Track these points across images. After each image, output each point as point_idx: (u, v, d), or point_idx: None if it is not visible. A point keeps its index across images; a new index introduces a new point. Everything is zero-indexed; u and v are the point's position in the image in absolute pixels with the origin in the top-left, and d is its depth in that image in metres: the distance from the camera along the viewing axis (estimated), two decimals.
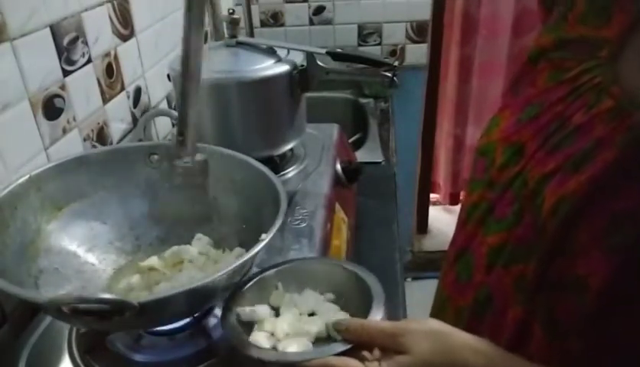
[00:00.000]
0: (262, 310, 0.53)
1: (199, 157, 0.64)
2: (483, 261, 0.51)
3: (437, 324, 0.45)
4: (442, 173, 2.16)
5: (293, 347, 0.48)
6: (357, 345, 0.46)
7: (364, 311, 0.49)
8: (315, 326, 0.50)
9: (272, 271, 0.57)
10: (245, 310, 0.52)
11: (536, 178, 0.45)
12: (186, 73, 0.58)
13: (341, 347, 0.46)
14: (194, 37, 0.57)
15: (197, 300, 0.54)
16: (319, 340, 0.49)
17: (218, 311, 0.62)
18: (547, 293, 0.44)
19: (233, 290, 0.54)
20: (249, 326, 0.52)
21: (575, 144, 0.43)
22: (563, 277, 0.43)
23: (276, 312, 0.54)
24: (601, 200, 0.40)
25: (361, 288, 0.53)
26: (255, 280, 0.56)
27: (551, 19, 0.50)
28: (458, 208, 2.19)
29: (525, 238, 0.46)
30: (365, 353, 0.45)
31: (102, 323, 0.47)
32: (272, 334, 0.50)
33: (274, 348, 0.49)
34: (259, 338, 0.49)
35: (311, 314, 0.54)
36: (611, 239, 0.39)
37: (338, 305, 0.54)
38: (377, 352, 0.45)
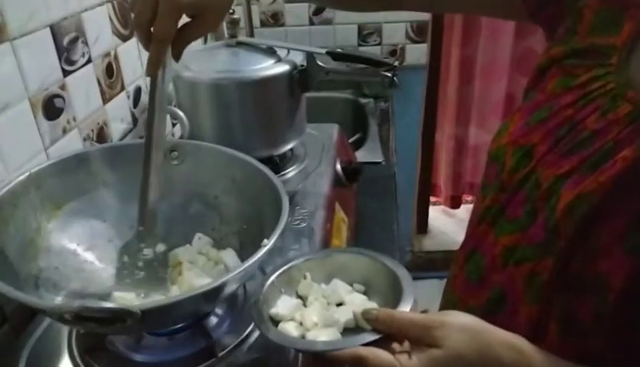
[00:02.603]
0: (290, 303, 0.52)
1: (160, 247, 0.60)
2: (497, 261, 0.51)
3: (472, 319, 0.44)
4: (442, 176, 2.16)
5: (322, 337, 0.48)
6: (387, 336, 0.45)
7: (393, 302, 0.49)
8: (344, 316, 0.49)
9: (300, 261, 0.56)
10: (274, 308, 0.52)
11: (550, 179, 0.45)
12: (148, 161, 0.56)
13: (370, 337, 0.45)
14: (157, 124, 0.56)
15: (199, 306, 0.54)
16: (347, 331, 0.49)
17: (218, 311, 0.62)
18: (565, 292, 0.44)
19: (261, 280, 0.54)
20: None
21: (591, 147, 0.43)
22: (583, 276, 0.43)
23: (304, 301, 0.54)
24: (622, 200, 0.40)
25: (390, 279, 0.52)
26: (283, 269, 0.55)
27: (558, 35, 0.51)
28: (458, 209, 2.21)
29: (537, 237, 0.46)
30: (395, 345, 0.44)
31: (103, 328, 0.47)
32: (301, 324, 0.50)
33: (303, 337, 0.48)
34: (288, 327, 0.49)
35: (339, 305, 0.53)
36: (632, 238, 0.40)
37: (367, 296, 0.54)
38: (406, 344, 0.44)
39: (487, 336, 0.43)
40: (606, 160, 0.42)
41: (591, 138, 0.44)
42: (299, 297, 0.55)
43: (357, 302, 0.52)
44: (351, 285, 0.55)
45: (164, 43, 0.53)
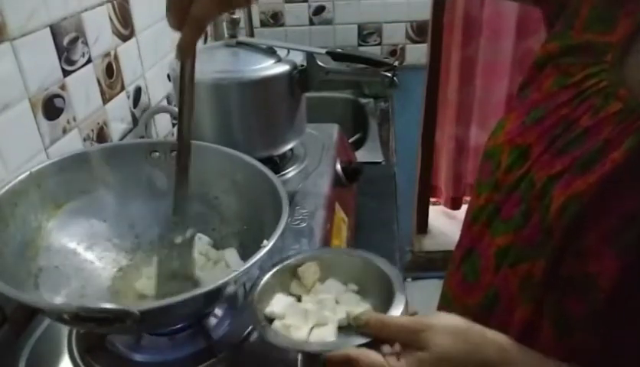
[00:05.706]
0: (284, 301, 0.53)
1: (189, 233, 0.58)
2: (491, 262, 0.51)
3: (458, 320, 0.44)
4: (443, 178, 2.16)
5: (316, 335, 0.48)
6: (377, 340, 0.46)
7: (386, 303, 0.49)
8: (338, 315, 0.50)
9: (293, 260, 0.57)
10: (269, 308, 0.52)
11: (543, 179, 0.45)
12: (180, 154, 0.53)
13: (362, 340, 0.46)
14: (187, 115, 0.52)
15: (199, 307, 0.54)
16: (342, 329, 0.50)
17: (218, 311, 0.62)
18: (557, 291, 0.44)
19: (255, 278, 0.54)
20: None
21: (582, 147, 0.43)
22: (573, 276, 0.43)
23: (299, 300, 0.54)
24: (610, 200, 0.40)
25: (383, 281, 0.53)
26: (277, 268, 0.56)
27: (556, 28, 0.51)
28: (459, 210, 2.21)
29: (532, 238, 0.46)
30: (385, 347, 0.45)
31: (102, 328, 0.47)
32: (296, 322, 0.50)
33: (301, 336, 0.48)
34: (283, 326, 0.49)
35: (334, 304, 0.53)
36: (620, 239, 0.40)
37: (360, 296, 0.54)
38: (397, 347, 0.45)
39: (473, 337, 0.43)
40: (596, 161, 0.41)
41: (582, 136, 0.44)
42: (293, 295, 0.55)
43: (351, 302, 0.52)
44: (345, 285, 0.56)
45: (201, 25, 0.45)
